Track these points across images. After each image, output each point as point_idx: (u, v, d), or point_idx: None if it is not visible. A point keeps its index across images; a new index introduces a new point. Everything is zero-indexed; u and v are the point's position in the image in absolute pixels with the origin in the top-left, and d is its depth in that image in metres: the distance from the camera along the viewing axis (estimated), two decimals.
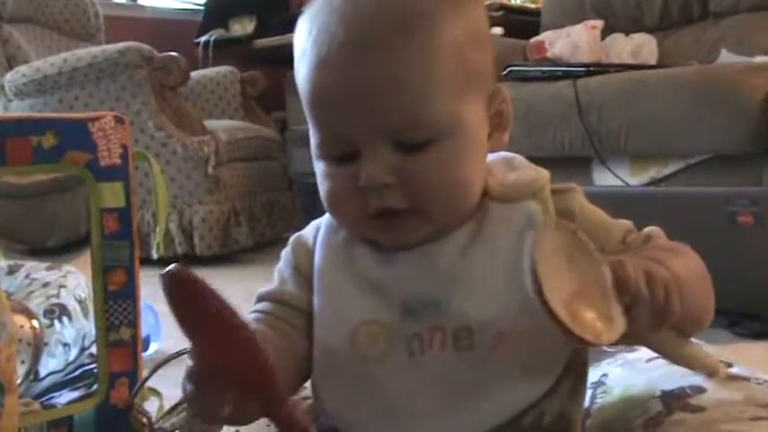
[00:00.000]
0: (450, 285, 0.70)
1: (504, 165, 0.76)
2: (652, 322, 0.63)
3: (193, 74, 3.84)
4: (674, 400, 0.74)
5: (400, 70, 0.66)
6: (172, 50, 3.45)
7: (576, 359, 0.72)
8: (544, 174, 0.74)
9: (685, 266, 0.68)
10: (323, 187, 0.72)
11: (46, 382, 1.35)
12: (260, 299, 0.80)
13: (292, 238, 0.81)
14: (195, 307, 0.58)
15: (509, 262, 0.69)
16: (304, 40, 0.71)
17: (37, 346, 1.30)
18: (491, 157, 0.76)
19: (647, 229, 0.75)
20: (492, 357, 0.68)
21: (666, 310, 0.63)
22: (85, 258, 1.24)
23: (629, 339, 0.64)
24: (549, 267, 0.61)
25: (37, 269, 1.55)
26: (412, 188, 0.68)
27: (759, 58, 2.63)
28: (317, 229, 0.79)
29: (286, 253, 0.81)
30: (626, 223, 0.75)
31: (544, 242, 0.62)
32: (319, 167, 0.73)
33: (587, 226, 0.72)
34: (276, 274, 0.80)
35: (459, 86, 0.69)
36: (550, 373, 0.70)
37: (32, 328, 1.30)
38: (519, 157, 0.78)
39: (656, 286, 0.63)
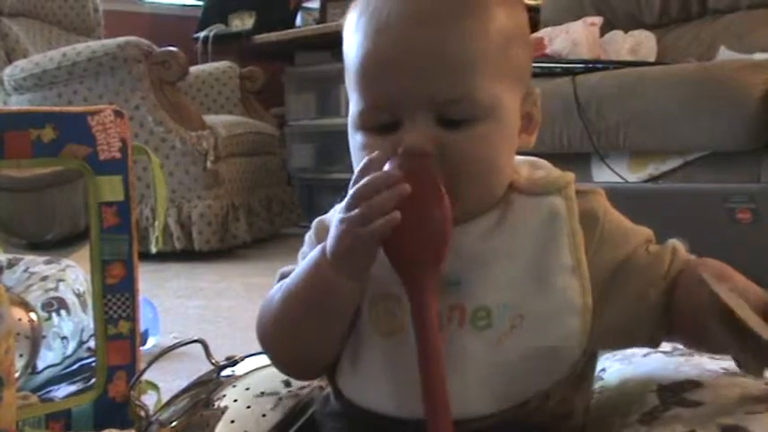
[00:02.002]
0: (472, 267, 0.72)
1: (529, 165, 0.79)
2: None
3: (192, 69, 3.84)
4: (670, 394, 0.75)
5: (452, 46, 0.70)
6: (171, 45, 3.45)
7: (586, 350, 0.73)
8: (570, 174, 0.76)
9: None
10: (357, 159, 0.74)
11: (44, 376, 1.35)
12: (284, 277, 0.80)
13: (315, 222, 0.82)
14: (427, 183, 0.68)
15: (530, 250, 0.72)
16: (360, 13, 0.74)
17: (35, 340, 1.30)
18: (517, 159, 0.78)
19: (671, 242, 0.76)
20: (508, 338, 0.70)
21: None
22: (84, 252, 1.24)
23: None
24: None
25: (35, 263, 1.55)
26: (450, 161, 0.70)
27: (758, 56, 2.63)
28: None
29: (309, 236, 0.82)
30: (646, 231, 0.77)
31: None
32: (356, 140, 0.74)
33: (608, 228, 0.74)
34: (300, 257, 0.81)
35: (503, 74, 0.72)
36: (562, 366, 0.71)
37: (30, 321, 1.30)
38: (544, 161, 0.80)
39: None
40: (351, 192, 0.70)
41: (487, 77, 0.71)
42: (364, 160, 0.70)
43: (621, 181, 2.57)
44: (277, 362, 0.83)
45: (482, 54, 0.70)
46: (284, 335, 0.78)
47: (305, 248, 0.82)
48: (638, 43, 3.09)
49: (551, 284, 0.71)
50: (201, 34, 4.54)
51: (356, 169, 0.73)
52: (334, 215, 0.79)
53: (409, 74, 0.70)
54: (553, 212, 0.73)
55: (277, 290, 0.78)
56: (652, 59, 3.03)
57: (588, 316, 0.71)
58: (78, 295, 1.49)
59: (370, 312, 0.75)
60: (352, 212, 0.68)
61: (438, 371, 0.66)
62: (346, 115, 0.76)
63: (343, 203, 0.70)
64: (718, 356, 0.81)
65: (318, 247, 0.73)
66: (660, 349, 0.84)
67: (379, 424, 0.73)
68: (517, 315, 0.70)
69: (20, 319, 1.28)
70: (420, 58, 0.69)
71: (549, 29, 3.22)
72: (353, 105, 0.74)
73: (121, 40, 3.34)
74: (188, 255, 3.35)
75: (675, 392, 0.75)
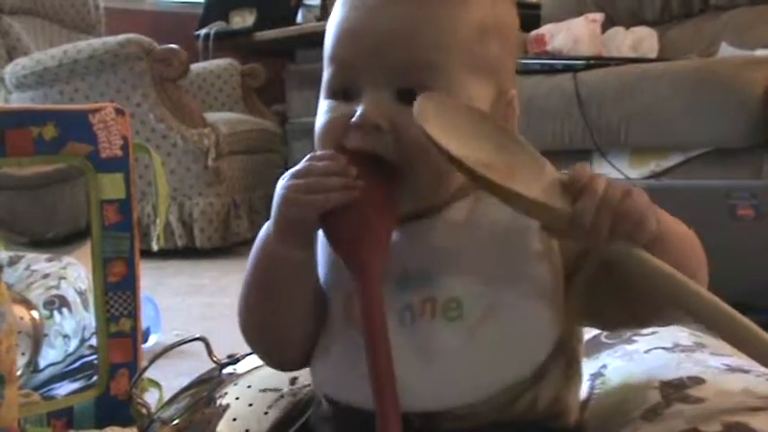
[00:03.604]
0: (443, 260, 0.72)
1: None
2: (603, 221, 0.64)
3: (194, 66, 3.84)
4: (672, 390, 0.75)
5: (419, 24, 0.70)
6: (172, 43, 3.44)
7: (567, 342, 0.73)
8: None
9: (670, 219, 0.70)
10: (317, 123, 0.75)
11: (46, 374, 1.35)
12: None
13: None
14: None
15: (501, 241, 0.72)
16: None
17: (37, 338, 1.30)
18: None
19: None
20: (480, 329, 0.70)
21: (625, 212, 0.64)
22: (86, 250, 1.24)
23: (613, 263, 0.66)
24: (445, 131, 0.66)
25: (37, 260, 1.56)
26: (401, 139, 0.70)
27: (759, 52, 2.63)
28: None
29: None
30: None
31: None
32: (321, 108, 0.76)
33: None
34: None
35: (472, 63, 0.72)
36: (538, 352, 0.70)
37: (32, 319, 1.30)
38: None
39: (615, 189, 0.64)
40: (303, 164, 0.72)
41: (454, 60, 0.71)
42: (320, 152, 0.72)
43: (623, 178, 2.57)
44: (254, 349, 0.83)
45: (452, 37, 0.71)
46: (249, 319, 0.79)
47: None
48: (639, 40, 3.09)
49: (522, 273, 0.71)
50: (202, 31, 4.53)
51: (315, 132, 0.75)
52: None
53: (372, 44, 0.71)
54: None
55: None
56: (653, 56, 3.03)
57: (560, 300, 0.71)
58: (80, 293, 1.49)
59: (341, 307, 0.75)
60: (300, 181, 0.70)
61: (382, 359, 0.66)
62: None
63: (290, 172, 0.72)
64: (720, 353, 0.81)
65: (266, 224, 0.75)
66: (661, 345, 0.84)
67: (355, 416, 0.73)
68: (488, 305, 0.70)
69: (21, 318, 1.28)
70: (385, 31, 0.71)
71: (550, 25, 3.22)
72: (324, 75, 0.76)
73: (123, 37, 3.34)
74: (189, 252, 3.35)
75: (678, 389, 0.75)
